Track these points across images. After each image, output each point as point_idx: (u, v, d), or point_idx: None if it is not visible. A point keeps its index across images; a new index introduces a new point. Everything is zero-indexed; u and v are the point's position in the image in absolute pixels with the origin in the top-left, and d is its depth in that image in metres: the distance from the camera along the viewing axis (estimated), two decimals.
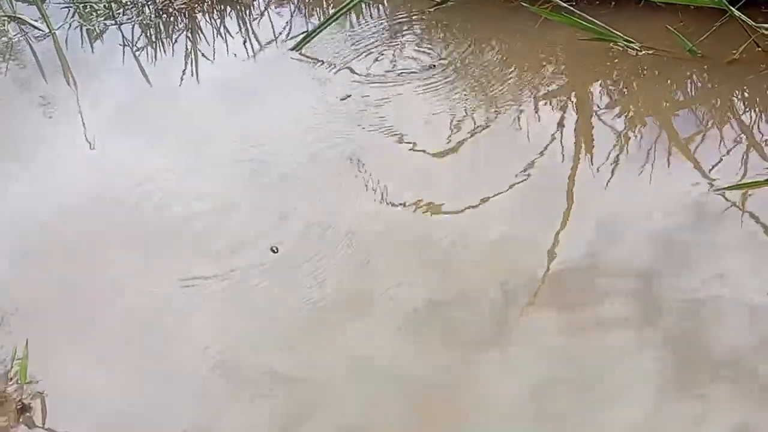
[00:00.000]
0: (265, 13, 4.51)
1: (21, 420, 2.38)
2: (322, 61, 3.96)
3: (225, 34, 4.36)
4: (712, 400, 2.20)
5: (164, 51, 4.29)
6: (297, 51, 4.05)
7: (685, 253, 2.63)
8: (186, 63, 4.15)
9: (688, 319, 2.42)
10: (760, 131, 3.15)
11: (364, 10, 4.32)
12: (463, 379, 2.34)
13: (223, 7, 4.60)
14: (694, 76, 3.51)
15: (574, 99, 3.46)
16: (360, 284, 2.68)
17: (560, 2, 3.79)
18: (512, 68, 3.70)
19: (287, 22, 4.39)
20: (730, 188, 2.84)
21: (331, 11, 4.19)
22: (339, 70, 3.87)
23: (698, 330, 2.38)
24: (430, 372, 2.37)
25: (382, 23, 4.24)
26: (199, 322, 2.64)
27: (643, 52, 3.66)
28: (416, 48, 3.97)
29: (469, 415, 2.25)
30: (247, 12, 4.55)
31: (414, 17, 4.24)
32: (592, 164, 3.06)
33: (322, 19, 4.23)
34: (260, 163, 3.28)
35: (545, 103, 3.44)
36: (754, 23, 3.48)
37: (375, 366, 2.42)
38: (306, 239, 2.88)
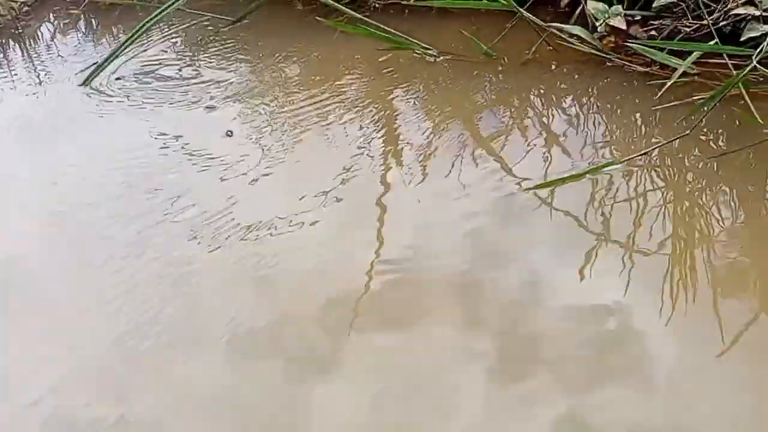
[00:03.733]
0: (53, 44, 4.27)
1: None
2: (112, 94, 3.75)
3: (9, 69, 4.08)
4: (539, 391, 2.22)
5: None
6: (86, 85, 3.81)
7: (501, 251, 2.66)
8: None
9: (510, 314, 2.44)
10: (558, 127, 3.25)
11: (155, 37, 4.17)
12: (300, 399, 2.25)
13: (3, 40, 4.31)
14: (492, 78, 3.59)
15: (378, 110, 3.44)
16: (180, 312, 2.53)
17: (354, 14, 3.79)
18: (313, 83, 3.65)
19: (77, 53, 4.17)
20: (537, 187, 2.89)
21: (122, 38, 3.99)
22: (135, 103, 3.68)
23: (521, 324, 2.41)
24: (267, 399, 2.26)
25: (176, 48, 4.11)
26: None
27: (441, 57, 3.71)
28: (215, 69, 3.86)
29: None
30: (32, 43, 4.29)
31: (210, 38, 4.13)
32: (402, 173, 3.04)
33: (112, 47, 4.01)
34: (58, 214, 3.03)
35: (350, 117, 3.40)
36: (542, 23, 3.60)
37: (207, 399, 2.28)
38: (114, 271, 2.69)
